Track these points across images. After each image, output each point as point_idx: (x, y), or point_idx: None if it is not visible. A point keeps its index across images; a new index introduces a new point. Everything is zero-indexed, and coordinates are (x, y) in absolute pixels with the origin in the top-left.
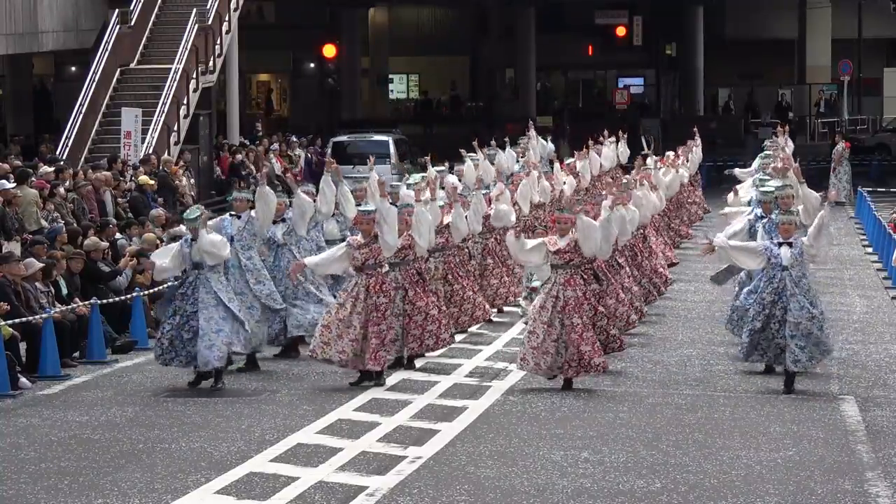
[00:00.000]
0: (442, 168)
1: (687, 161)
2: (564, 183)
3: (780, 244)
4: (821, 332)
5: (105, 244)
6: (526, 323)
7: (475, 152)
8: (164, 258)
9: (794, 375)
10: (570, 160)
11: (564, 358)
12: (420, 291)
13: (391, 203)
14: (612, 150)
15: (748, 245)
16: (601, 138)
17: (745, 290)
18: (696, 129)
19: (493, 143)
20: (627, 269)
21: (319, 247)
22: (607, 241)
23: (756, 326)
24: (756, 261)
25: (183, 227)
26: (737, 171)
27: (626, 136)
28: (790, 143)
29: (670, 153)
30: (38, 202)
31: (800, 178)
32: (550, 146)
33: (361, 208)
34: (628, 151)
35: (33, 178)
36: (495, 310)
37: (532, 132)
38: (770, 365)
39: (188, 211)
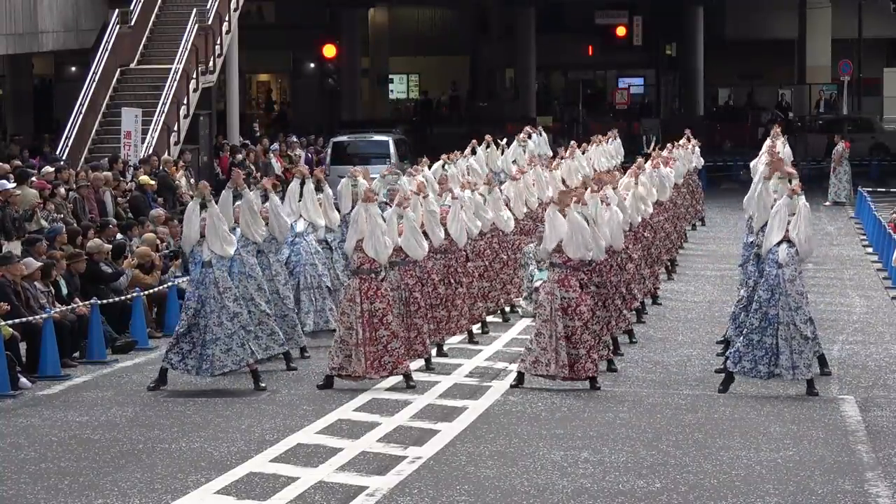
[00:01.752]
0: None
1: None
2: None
3: (779, 242)
4: (812, 334)
5: (108, 246)
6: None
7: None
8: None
9: (812, 380)
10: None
11: (560, 360)
12: (417, 295)
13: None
14: (601, 152)
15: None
16: (593, 139)
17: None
18: (688, 131)
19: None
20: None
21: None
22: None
23: (753, 324)
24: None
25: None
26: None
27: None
28: (787, 147)
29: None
30: (38, 202)
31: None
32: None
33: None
34: (622, 150)
35: (33, 179)
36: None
37: (528, 132)
38: (730, 373)
39: None
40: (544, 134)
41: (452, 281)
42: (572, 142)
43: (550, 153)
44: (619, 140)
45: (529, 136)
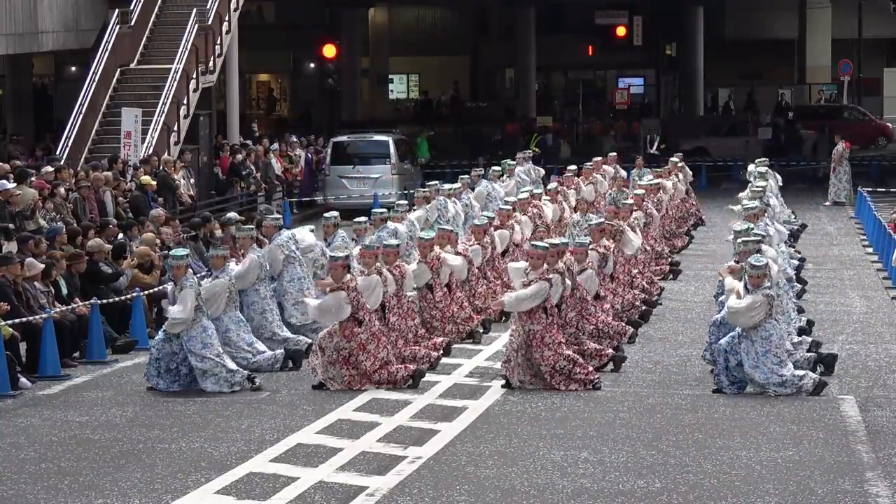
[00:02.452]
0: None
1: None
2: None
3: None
4: (790, 372)
5: (108, 246)
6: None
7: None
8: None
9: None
10: (554, 185)
11: (545, 381)
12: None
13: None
14: (600, 183)
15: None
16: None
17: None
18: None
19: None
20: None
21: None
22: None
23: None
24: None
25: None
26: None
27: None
28: (777, 176)
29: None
30: (38, 199)
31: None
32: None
33: (332, 254)
34: (621, 173)
35: (32, 178)
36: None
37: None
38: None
39: (176, 249)
40: (530, 171)
41: (427, 316)
42: (554, 184)
43: (539, 186)
44: (614, 168)
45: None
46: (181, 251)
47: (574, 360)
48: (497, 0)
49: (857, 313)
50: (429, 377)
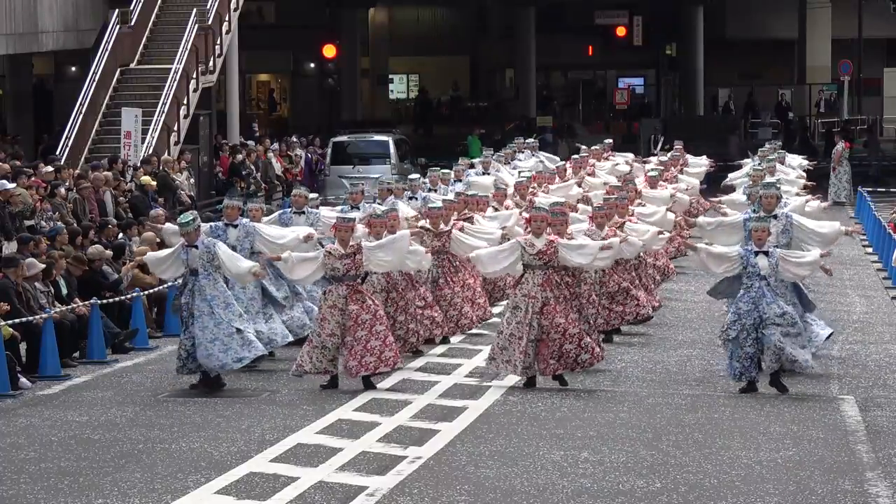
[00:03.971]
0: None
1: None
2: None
3: (756, 253)
4: (798, 337)
5: (109, 253)
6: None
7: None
8: (162, 263)
9: (779, 374)
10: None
11: (532, 359)
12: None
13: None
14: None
15: (723, 252)
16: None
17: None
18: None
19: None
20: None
21: None
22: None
23: (730, 335)
24: (723, 266)
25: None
26: (731, 177)
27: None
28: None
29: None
30: (35, 201)
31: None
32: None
33: (341, 215)
34: (627, 167)
35: (32, 177)
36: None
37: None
38: (752, 381)
39: (183, 216)
40: (533, 155)
41: (452, 280)
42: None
43: (550, 167)
44: (618, 159)
45: (513, 157)
46: (188, 217)
47: (580, 342)
48: (497, 0)
49: (857, 313)
50: (429, 377)
